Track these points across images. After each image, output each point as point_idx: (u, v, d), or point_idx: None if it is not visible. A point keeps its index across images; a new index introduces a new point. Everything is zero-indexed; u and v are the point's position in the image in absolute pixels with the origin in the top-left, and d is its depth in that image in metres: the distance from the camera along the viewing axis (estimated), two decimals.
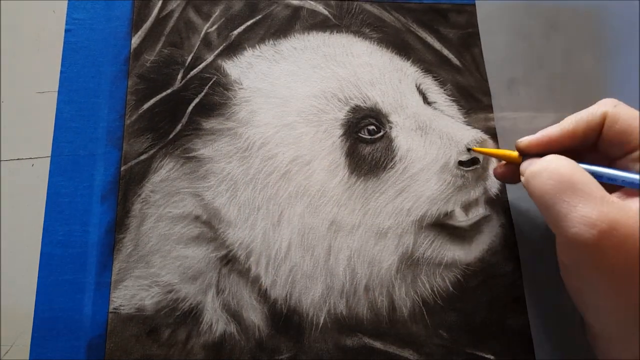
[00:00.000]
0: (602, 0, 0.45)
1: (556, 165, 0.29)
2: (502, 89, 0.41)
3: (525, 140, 0.33)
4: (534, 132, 0.40)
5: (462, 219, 0.37)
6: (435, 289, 0.36)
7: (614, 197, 0.27)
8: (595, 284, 0.28)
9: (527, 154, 0.33)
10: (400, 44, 0.42)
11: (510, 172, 0.35)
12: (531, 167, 0.30)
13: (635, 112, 0.31)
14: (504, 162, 0.36)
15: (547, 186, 0.28)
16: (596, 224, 0.26)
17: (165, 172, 0.37)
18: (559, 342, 0.35)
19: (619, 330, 0.28)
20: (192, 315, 0.34)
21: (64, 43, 0.40)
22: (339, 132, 0.38)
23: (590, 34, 0.44)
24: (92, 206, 0.36)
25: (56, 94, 0.38)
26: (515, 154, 0.34)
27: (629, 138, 0.30)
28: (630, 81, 0.42)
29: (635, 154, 0.30)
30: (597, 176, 0.29)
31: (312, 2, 0.42)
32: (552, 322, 0.36)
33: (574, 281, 0.30)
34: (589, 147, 0.32)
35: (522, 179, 0.32)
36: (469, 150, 0.36)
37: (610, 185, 0.30)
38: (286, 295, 0.35)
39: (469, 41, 0.43)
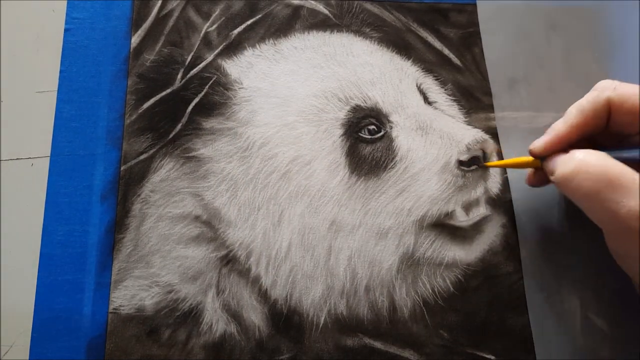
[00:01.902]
0: (602, 0, 0.45)
1: (588, 164, 0.29)
2: (503, 89, 0.41)
3: (539, 145, 0.33)
4: (534, 131, 0.40)
5: (462, 219, 0.37)
6: (435, 289, 0.36)
7: None
8: None
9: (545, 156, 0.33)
10: (400, 44, 0.42)
11: (542, 178, 0.35)
12: (562, 170, 0.30)
13: (635, 87, 0.31)
14: (530, 170, 0.36)
15: (586, 188, 0.29)
16: None
17: (165, 172, 0.37)
18: (559, 342, 0.35)
19: None
20: (192, 316, 0.34)
21: (64, 42, 0.40)
22: (339, 131, 0.37)
23: (590, 34, 0.44)
24: (92, 206, 0.36)
25: (56, 94, 0.38)
26: (530, 158, 0.34)
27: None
28: (630, 81, 0.42)
29: None
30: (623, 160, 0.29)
31: (312, 2, 0.42)
32: (552, 322, 0.36)
33: (627, 261, 0.31)
34: (599, 130, 0.33)
35: (552, 178, 0.32)
36: (484, 165, 0.37)
37: None
38: (286, 296, 0.35)
39: (469, 41, 0.42)
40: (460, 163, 0.36)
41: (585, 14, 0.44)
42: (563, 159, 0.31)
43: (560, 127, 0.33)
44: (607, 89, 0.32)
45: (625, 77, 0.42)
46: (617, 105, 0.31)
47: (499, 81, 0.41)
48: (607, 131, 0.33)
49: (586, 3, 0.44)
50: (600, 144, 0.34)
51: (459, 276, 0.36)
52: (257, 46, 0.41)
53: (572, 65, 0.42)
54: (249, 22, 0.41)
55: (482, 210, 0.37)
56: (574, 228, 0.37)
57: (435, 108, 0.40)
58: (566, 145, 0.32)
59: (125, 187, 0.36)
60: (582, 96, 0.41)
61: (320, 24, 0.42)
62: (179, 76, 0.39)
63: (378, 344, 0.34)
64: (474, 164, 0.36)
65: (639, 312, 0.35)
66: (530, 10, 0.44)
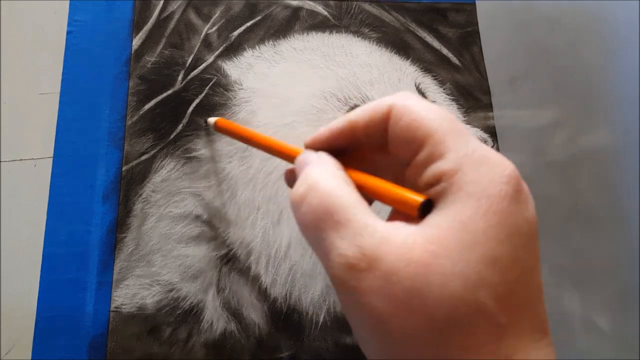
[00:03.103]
0: (602, 0, 0.45)
1: (317, 186, 0.21)
2: (502, 88, 0.41)
3: (311, 137, 0.24)
4: (533, 130, 0.40)
5: None
6: None
7: (381, 223, 0.19)
8: (361, 328, 0.20)
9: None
10: (399, 44, 0.42)
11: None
12: (295, 188, 0.22)
13: (430, 104, 0.21)
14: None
15: (308, 219, 0.20)
16: (353, 263, 0.18)
17: (166, 172, 0.37)
18: (559, 342, 0.35)
19: None
20: (192, 314, 0.34)
21: (66, 44, 0.40)
22: None
23: (590, 32, 0.44)
24: (94, 206, 0.36)
25: (58, 95, 0.39)
26: (296, 151, 0.25)
27: (415, 134, 0.20)
28: (631, 80, 0.42)
29: (421, 157, 0.20)
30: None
31: (311, 3, 0.43)
32: (552, 322, 0.35)
33: (348, 318, 0.21)
34: (381, 150, 0.23)
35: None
36: (206, 122, 0.36)
37: None
38: (286, 294, 0.35)
39: (468, 40, 0.43)
40: None
41: (585, 13, 0.44)
42: (306, 173, 0.22)
43: (337, 121, 0.24)
44: (397, 97, 0.22)
45: (625, 76, 0.42)
46: (396, 118, 0.21)
47: (499, 80, 0.42)
48: (390, 156, 0.23)
49: (586, 3, 0.44)
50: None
51: None
52: (257, 47, 0.41)
53: (572, 64, 0.42)
54: (248, 24, 0.42)
55: None
56: (572, 228, 0.37)
57: None
58: (339, 146, 0.24)
59: (127, 187, 0.37)
60: (581, 94, 0.42)
61: (320, 25, 0.42)
62: (180, 78, 0.39)
63: None
64: None
65: (638, 312, 0.35)
66: (530, 9, 0.44)
